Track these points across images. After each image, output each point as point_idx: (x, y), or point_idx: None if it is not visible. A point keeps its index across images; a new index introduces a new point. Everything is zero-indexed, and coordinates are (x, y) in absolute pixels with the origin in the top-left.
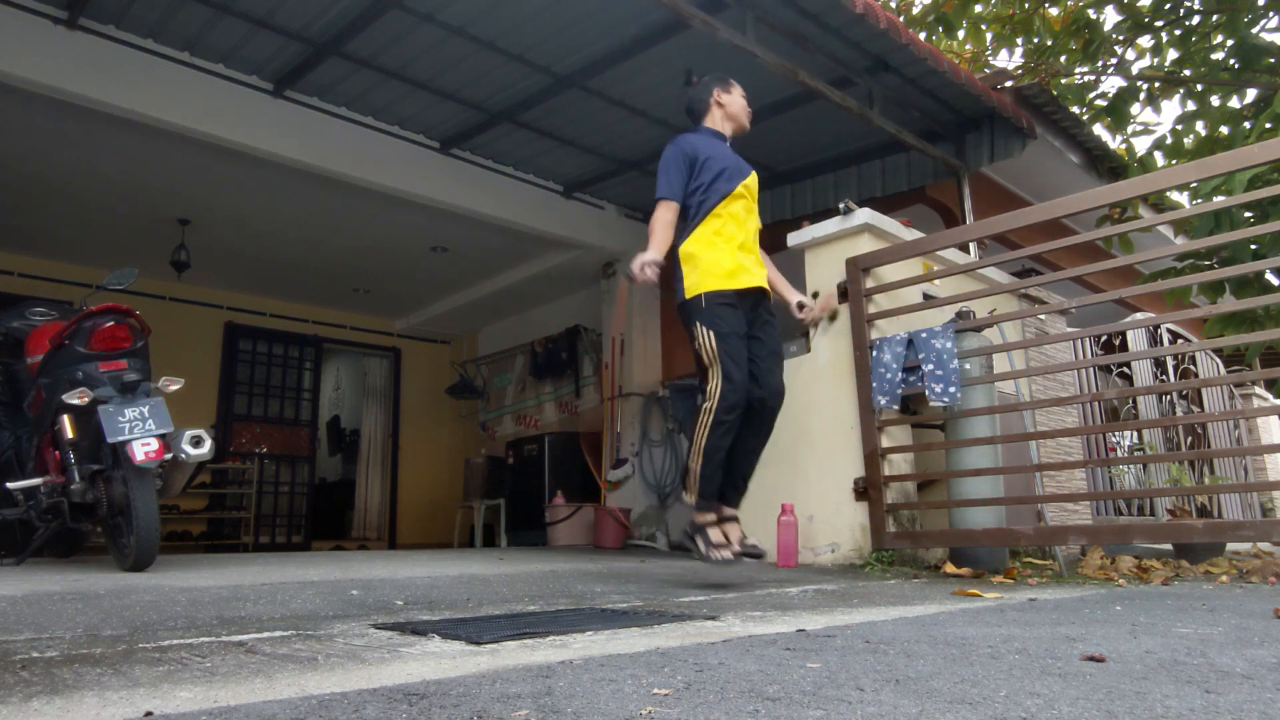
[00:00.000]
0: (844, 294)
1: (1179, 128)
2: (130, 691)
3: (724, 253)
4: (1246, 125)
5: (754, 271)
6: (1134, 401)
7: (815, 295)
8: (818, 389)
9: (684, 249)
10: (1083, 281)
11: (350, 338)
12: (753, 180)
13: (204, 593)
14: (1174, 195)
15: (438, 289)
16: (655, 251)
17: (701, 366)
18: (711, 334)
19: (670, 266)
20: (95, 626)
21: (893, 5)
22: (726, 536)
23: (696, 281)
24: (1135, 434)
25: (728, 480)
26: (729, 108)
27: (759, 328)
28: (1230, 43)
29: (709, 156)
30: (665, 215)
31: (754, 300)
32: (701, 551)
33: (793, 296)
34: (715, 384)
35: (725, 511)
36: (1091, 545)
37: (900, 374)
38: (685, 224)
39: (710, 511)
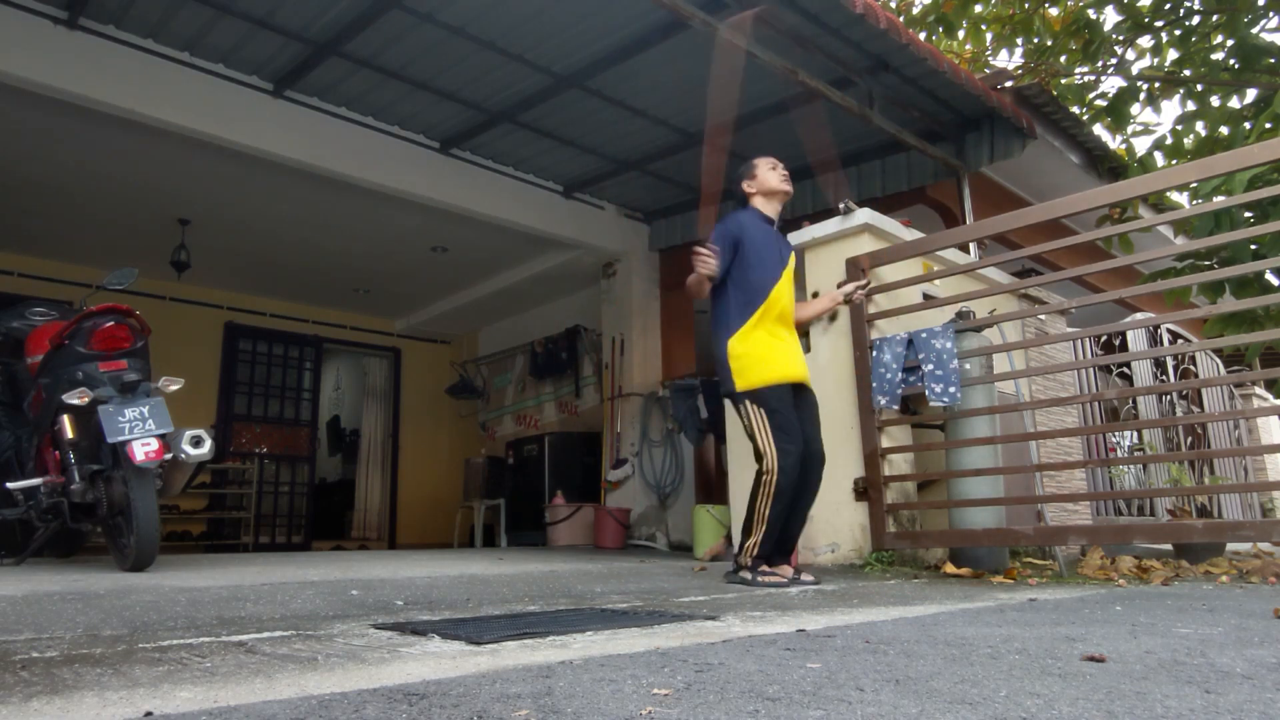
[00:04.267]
0: None
1: (1179, 128)
2: (130, 691)
3: (772, 352)
4: (1246, 125)
5: (799, 362)
6: (1134, 401)
7: (815, 295)
8: (817, 389)
9: (733, 347)
10: (1083, 281)
11: (350, 338)
12: (791, 264)
13: (204, 593)
14: (1174, 195)
15: (438, 289)
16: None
17: (755, 446)
18: (762, 411)
19: (719, 356)
20: (95, 626)
21: (893, 5)
22: (777, 572)
23: (747, 378)
24: (1135, 434)
25: (777, 544)
26: (762, 188)
27: (800, 395)
28: (1230, 43)
29: (754, 243)
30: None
31: (795, 388)
32: (749, 580)
33: (837, 295)
34: (772, 461)
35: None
36: (1091, 545)
37: (900, 374)
38: (733, 313)
39: (761, 566)
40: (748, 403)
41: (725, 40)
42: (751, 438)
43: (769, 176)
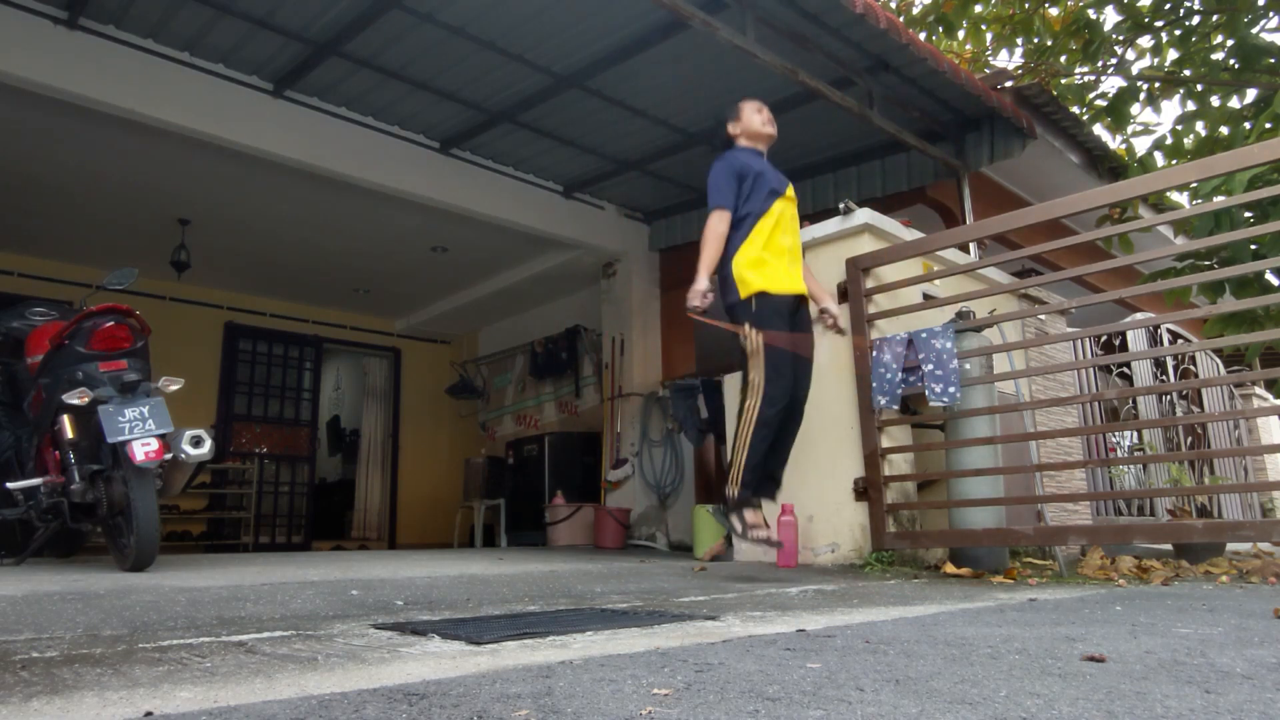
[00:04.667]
0: (844, 294)
1: (1179, 128)
2: (130, 691)
3: (774, 260)
4: (1246, 125)
5: (798, 279)
6: (1134, 401)
7: None
8: (817, 389)
9: (738, 256)
10: (1083, 281)
11: (350, 338)
12: (791, 192)
13: (204, 593)
14: (1174, 195)
15: (438, 289)
16: (704, 277)
17: (746, 369)
18: (761, 339)
19: (723, 271)
20: (95, 626)
21: (893, 5)
22: (763, 520)
23: (749, 284)
24: (1135, 434)
25: (766, 474)
26: (747, 130)
27: (798, 329)
28: (1230, 43)
29: (755, 171)
30: (719, 226)
31: (795, 304)
32: (739, 530)
33: (823, 301)
34: (759, 382)
35: (758, 503)
36: (1091, 545)
37: (900, 374)
38: (737, 233)
39: (749, 500)
40: (748, 326)
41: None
42: (744, 352)
43: (753, 119)
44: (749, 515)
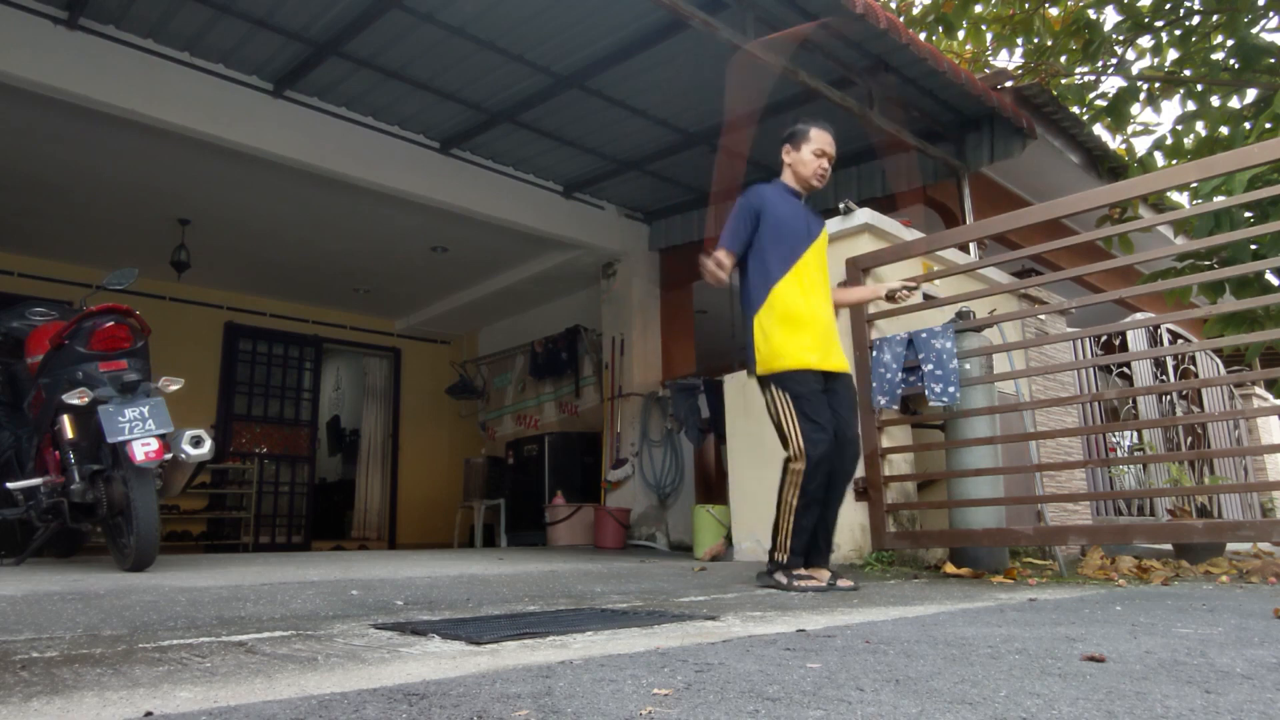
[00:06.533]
0: None
1: (1179, 128)
2: (130, 691)
3: (797, 329)
4: (1246, 125)
5: (827, 345)
6: (1134, 401)
7: None
8: None
9: (757, 320)
10: (1083, 281)
11: (350, 338)
12: (822, 240)
13: (204, 593)
14: (1174, 195)
15: (438, 289)
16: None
17: (781, 433)
18: (786, 396)
19: (745, 334)
20: (95, 626)
21: (893, 5)
22: (813, 576)
23: (767, 359)
24: (1135, 434)
25: (812, 540)
26: (795, 167)
27: (833, 379)
28: (1230, 43)
29: (777, 218)
30: (724, 262)
31: (827, 379)
32: (784, 584)
33: (881, 289)
34: (797, 449)
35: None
36: (1091, 545)
37: (900, 374)
38: (755, 290)
39: (798, 567)
40: (773, 386)
41: (750, 54)
42: (777, 424)
43: (809, 163)
44: (798, 572)
